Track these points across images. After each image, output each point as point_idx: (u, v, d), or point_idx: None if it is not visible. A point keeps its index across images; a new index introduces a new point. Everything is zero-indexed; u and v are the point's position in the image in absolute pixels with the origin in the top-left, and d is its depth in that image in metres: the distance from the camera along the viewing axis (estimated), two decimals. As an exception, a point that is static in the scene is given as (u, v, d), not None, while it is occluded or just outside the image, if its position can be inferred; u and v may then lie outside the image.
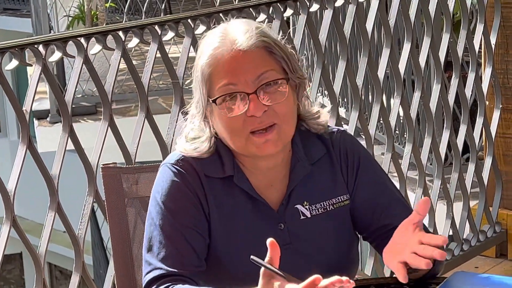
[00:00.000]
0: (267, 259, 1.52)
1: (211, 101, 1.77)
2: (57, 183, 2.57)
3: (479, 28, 3.44)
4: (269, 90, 1.75)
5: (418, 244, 1.59)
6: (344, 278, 1.49)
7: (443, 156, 3.38)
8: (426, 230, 1.81)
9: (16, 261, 13.87)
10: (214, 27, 1.96)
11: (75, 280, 2.64)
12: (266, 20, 2.79)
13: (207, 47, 1.80)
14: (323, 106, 2.15)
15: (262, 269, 1.53)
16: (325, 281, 1.48)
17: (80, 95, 5.79)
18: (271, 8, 2.78)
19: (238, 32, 1.77)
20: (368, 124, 3.13)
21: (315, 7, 2.88)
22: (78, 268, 2.63)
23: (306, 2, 2.83)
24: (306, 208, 1.88)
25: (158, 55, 2.66)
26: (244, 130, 1.75)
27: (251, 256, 1.53)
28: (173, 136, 2.64)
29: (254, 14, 2.71)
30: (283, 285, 1.52)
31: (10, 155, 12.42)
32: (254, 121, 1.74)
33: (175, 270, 1.77)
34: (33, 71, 2.50)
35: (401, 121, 3.69)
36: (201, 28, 2.53)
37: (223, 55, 1.76)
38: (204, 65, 1.78)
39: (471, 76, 3.45)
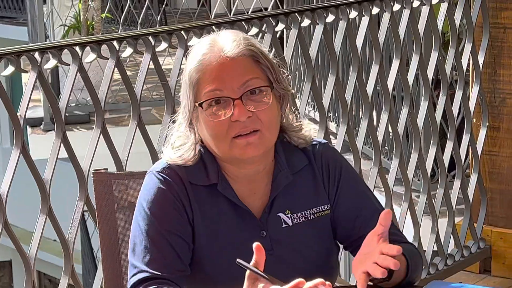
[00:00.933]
0: (252, 262, 1.55)
1: (197, 106, 1.81)
2: (49, 187, 2.62)
3: (467, 48, 3.50)
4: (254, 98, 1.80)
5: (379, 254, 1.64)
6: (327, 282, 1.54)
7: (429, 172, 3.42)
8: (396, 238, 1.88)
9: (6, 268, 13.86)
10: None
11: (64, 282, 2.68)
12: (260, 34, 2.85)
13: (196, 54, 1.84)
14: (314, 120, 2.15)
15: (247, 272, 1.56)
16: (309, 284, 1.52)
17: (73, 104, 5.86)
18: (263, 22, 2.82)
19: (226, 41, 1.82)
20: (356, 139, 3.17)
21: (306, 22, 2.93)
22: (67, 271, 2.67)
23: (298, 17, 2.89)
24: (288, 217, 1.91)
25: (152, 66, 2.71)
26: (228, 136, 1.79)
27: (237, 260, 1.56)
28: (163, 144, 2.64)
29: (246, 28, 2.75)
30: (267, 287, 1.55)
31: (2, 162, 12.38)
32: (238, 126, 1.78)
33: (159, 273, 1.80)
34: (29, 78, 2.54)
35: (390, 136, 3.71)
36: (194, 40, 2.59)
37: (210, 61, 1.80)
38: (192, 71, 1.82)
39: (458, 94, 3.49)
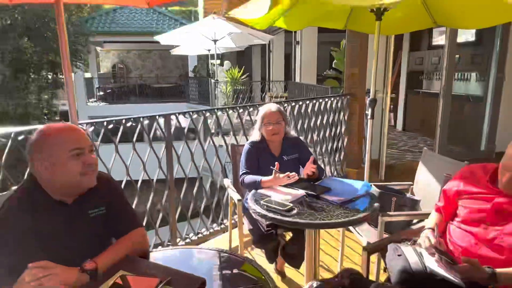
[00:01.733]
0: (275, 167, 1.69)
1: (263, 125, 1.96)
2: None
3: (342, 114, 3.58)
4: (279, 123, 1.95)
5: (309, 167, 1.74)
6: (293, 173, 1.66)
7: (330, 150, 3.62)
8: (315, 164, 1.84)
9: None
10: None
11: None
12: (286, 106, 3.01)
13: (262, 110, 1.99)
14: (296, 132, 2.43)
15: (273, 171, 1.67)
16: (290, 174, 1.67)
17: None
18: (280, 104, 2.80)
19: (272, 106, 1.98)
20: (307, 138, 3.42)
21: (295, 104, 3.21)
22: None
23: (291, 103, 3.24)
24: (286, 157, 1.96)
25: (248, 118, 2.81)
26: (270, 133, 1.95)
27: (271, 167, 1.70)
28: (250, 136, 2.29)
29: (279, 105, 2.30)
30: (279, 176, 1.65)
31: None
32: (274, 131, 1.94)
33: (249, 171, 1.89)
34: (213, 119, 2.68)
35: (319, 138, 3.65)
36: (263, 106, 2.18)
37: (267, 112, 1.96)
38: (262, 115, 1.98)
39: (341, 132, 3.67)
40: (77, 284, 1.05)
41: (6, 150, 1.85)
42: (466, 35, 4.69)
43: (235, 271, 1.14)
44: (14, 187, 1.28)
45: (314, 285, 1.27)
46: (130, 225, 1.26)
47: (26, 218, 1.10)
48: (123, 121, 2.26)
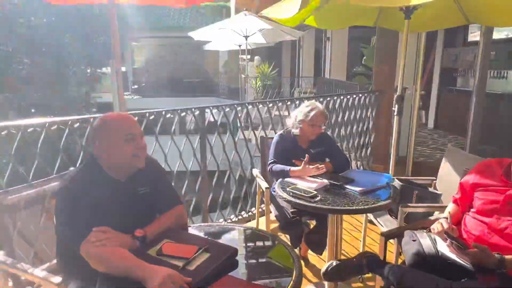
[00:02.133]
0: (305, 159, 1.79)
1: (309, 123, 1.98)
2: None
3: (369, 111, 3.66)
4: (322, 127, 2.03)
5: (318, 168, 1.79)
6: (322, 165, 1.77)
7: (356, 145, 3.71)
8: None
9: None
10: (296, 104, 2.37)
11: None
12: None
13: (314, 109, 2.00)
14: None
15: (303, 162, 1.76)
16: (317, 165, 1.79)
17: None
18: (313, 99, 2.73)
19: (322, 108, 2.00)
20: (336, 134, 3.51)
21: (323, 100, 3.21)
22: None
23: (334, 97, 3.33)
24: (313, 150, 2.02)
25: (277, 113, 2.96)
26: (312, 133, 2.00)
27: (300, 158, 1.77)
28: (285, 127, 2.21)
29: (314, 100, 2.47)
30: (309, 166, 1.76)
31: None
32: (316, 132, 2.01)
33: (277, 160, 1.98)
34: (236, 112, 2.89)
35: (347, 133, 3.71)
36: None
37: (318, 113, 2.00)
38: (312, 114, 2.00)
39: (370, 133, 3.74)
40: (129, 248, 1.21)
41: (64, 136, 2.05)
42: (506, 31, 4.59)
43: (264, 251, 1.26)
44: (72, 168, 1.47)
45: (334, 263, 1.39)
46: (172, 202, 1.41)
47: (88, 191, 1.26)
48: (163, 112, 2.43)
